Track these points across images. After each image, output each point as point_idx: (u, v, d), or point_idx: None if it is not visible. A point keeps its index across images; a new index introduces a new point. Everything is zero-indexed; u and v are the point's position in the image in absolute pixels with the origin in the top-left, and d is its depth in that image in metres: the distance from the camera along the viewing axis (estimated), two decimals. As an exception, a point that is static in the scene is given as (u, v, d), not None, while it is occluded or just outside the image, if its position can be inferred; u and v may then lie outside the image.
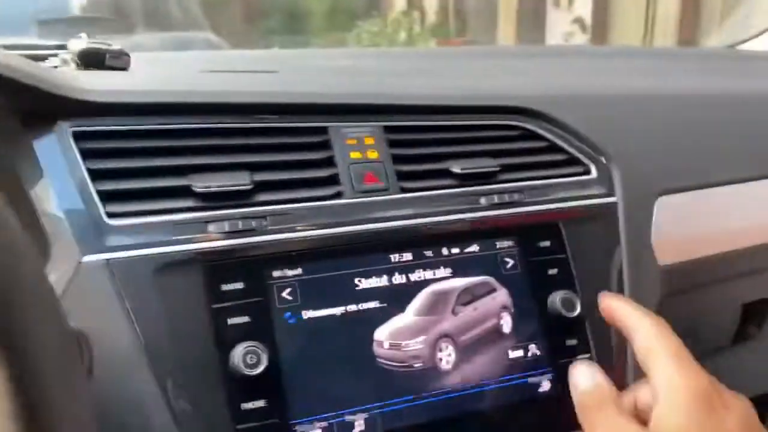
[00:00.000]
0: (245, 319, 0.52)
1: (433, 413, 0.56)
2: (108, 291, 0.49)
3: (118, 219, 0.52)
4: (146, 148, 0.56)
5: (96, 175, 0.53)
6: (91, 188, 0.53)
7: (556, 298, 0.61)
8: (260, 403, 0.51)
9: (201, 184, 0.55)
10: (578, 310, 0.61)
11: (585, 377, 0.51)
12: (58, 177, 0.53)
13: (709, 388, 0.46)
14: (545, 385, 0.60)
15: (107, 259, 0.50)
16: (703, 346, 0.84)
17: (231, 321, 0.52)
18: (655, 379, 0.48)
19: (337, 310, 0.55)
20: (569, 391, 0.60)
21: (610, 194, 0.68)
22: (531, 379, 0.59)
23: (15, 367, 0.25)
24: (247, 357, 0.50)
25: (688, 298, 0.76)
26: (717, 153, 0.79)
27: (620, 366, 0.63)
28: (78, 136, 0.54)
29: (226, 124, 0.59)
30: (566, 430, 0.59)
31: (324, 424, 0.53)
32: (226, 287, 0.52)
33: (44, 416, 0.26)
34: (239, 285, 0.53)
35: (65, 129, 0.54)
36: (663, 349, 0.48)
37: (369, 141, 0.62)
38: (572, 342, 0.62)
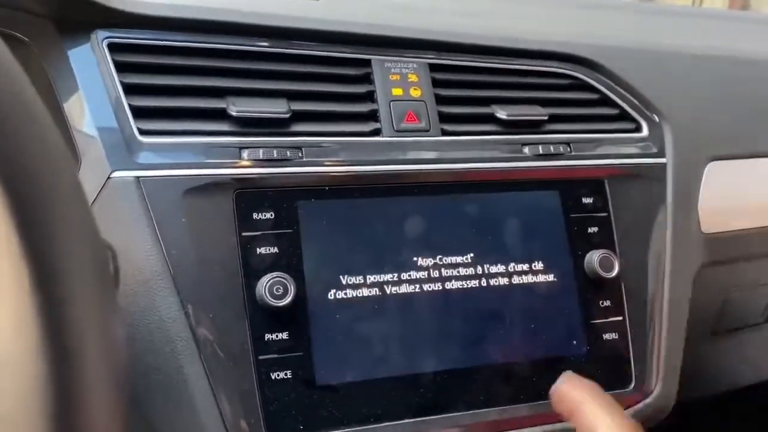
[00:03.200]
0: (274, 249, 0.51)
1: (456, 364, 0.54)
2: (136, 209, 0.48)
3: (149, 137, 0.51)
4: (183, 66, 0.54)
5: (129, 90, 0.51)
6: (124, 103, 0.51)
7: (594, 257, 0.58)
8: (284, 335, 0.50)
9: (238, 107, 0.53)
10: (616, 271, 0.59)
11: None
12: (91, 88, 0.51)
13: None
14: (572, 345, 0.58)
15: (137, 177, 0.49)
16: (735, 321, 0.81)
17: (260, 250, 0.50)
18: None
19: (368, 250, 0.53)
20: (596, 353, 0.58)
21: (660, 155, 0.65)
22: (557, 337, 0.58)
23: (44, 279, 0.24)
24: (274, 288, 0.49)
25: (725, 271, 0.73)
26: (774, 122, 0.75)
27: (652, 332, 0.61)
28: (113, 48, 0.52)
29: (267, 48, 0.56)
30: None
31: (348, 359, 0.51)
32: (257, 216, 0.51)
33: (72, 329, 0.24)
34: (269, 215, 0.51)
35: (101, 39, 0.52)
36: None
37: (412, 78, 0.60)
38: (606, 303, 0.60)
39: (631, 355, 0.60)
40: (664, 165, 0.65)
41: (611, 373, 0.59)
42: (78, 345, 0.24)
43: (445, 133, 0.59)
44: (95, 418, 0.25)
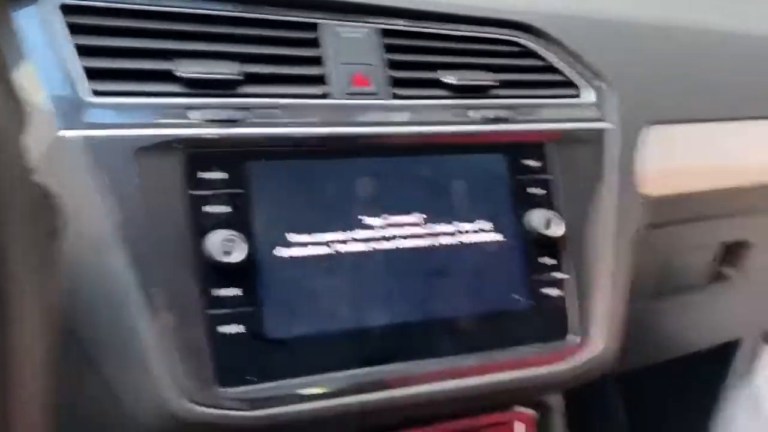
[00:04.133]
0: (224, 208, 0.52)
1: (402, 318, 0.56)
2: (85, 168, 0.49)
3: (100, 97, 0.51)
4: (134, 29, 0.54)
5: (83, 51, 0.52)
6: (77, 62, 0.51)
7: (537, 217, 0.61)
8: (234, 291, 0.51)
9: (185, 69, 0.53)
10: (559, 231, 0.61)
11: None
12: (43, 49, 0.51)
13: None
14: (517, 301, 0.60)
15: (85, 136, 0.49)
16: (678, 282, 0.85)
17: (210, 209, 0.51)
18: None
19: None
20: (542, 307, 0.61)
21: (602, 119, 0.67)
22: (503, 293, 0.60)
23: None
24: (224, 245, 0.50)
25: (668, 232, 0.77)
26: (716, 89, 0.78)
27: (596, 289, 0.64)
28: (66, 10, 0.52)
29: (217, 11, 0.57)
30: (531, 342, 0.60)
31: (298, 314, 0.53)
32: (203, 175, 0.52)
33: (6, 286, 0.24)
34: (219, 175, 0.52)
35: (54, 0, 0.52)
36: None
37: (363, 43, 0.61)
38: (550, 262, 0.62)
39: (576, 310, 0.63)
40: (605, 130, 0.67)
41: (556, 326, 0.62)
42: (12, 304, 0.24)
43: (395, 97, 0.61)
44: (29, 377, 0.25)
